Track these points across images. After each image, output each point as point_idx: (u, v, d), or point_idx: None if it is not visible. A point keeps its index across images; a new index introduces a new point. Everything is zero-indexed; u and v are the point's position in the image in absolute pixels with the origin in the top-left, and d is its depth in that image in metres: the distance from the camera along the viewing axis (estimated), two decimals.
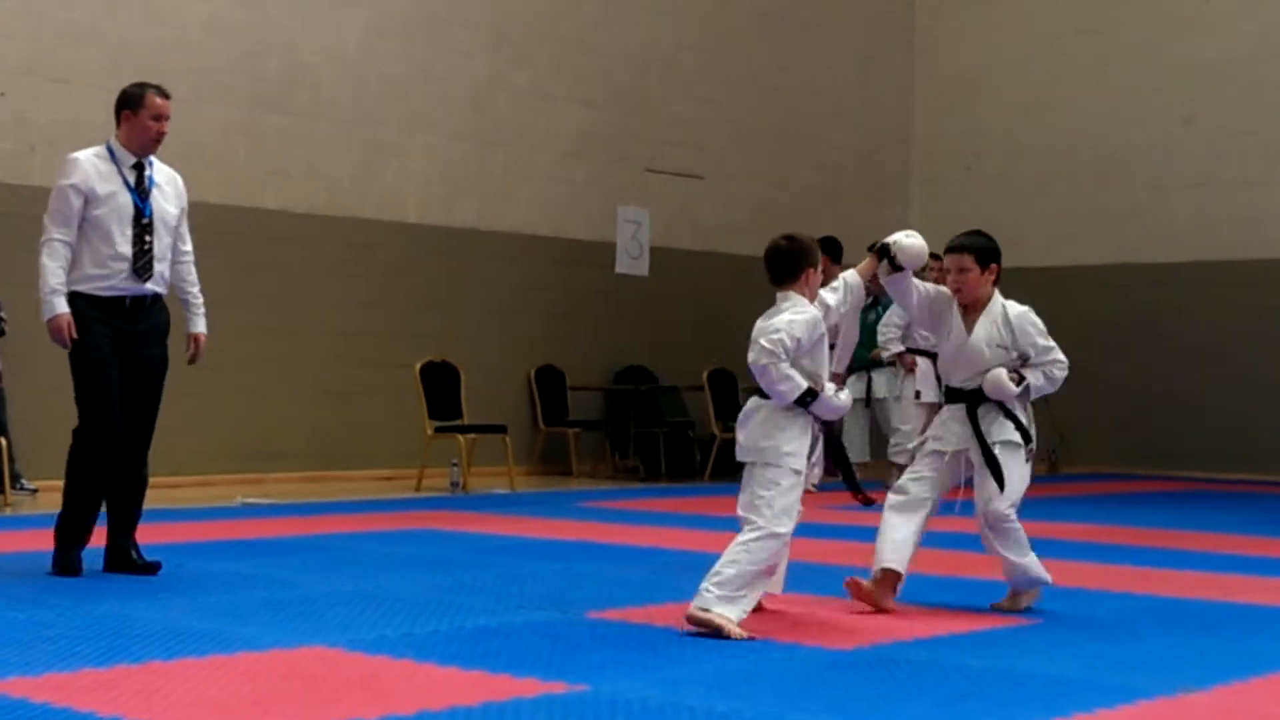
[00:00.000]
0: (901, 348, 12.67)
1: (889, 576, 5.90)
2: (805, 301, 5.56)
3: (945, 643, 5.20)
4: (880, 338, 12.72)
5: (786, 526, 5.53)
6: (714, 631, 5.19)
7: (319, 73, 12.43)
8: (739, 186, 15.56)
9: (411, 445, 12.05)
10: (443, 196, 13.25)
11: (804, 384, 5.45)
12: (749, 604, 5.34)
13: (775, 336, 5.45)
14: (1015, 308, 5.99)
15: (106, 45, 11.18)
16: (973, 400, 5.94)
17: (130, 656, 4.69)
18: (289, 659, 4.71)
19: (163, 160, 6.84)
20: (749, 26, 15.68)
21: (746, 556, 5.40)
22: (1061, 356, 5.95)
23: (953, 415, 6.05)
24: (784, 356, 5.43)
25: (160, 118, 6.61)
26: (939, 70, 17.27)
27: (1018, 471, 5.85)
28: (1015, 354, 5.92)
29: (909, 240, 5.90)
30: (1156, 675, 4.65)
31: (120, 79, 11.60)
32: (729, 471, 13.75)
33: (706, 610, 5.24)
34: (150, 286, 6.58)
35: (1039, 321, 5.97)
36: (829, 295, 5.74)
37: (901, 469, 12.72)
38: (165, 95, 6.67)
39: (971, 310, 5.98)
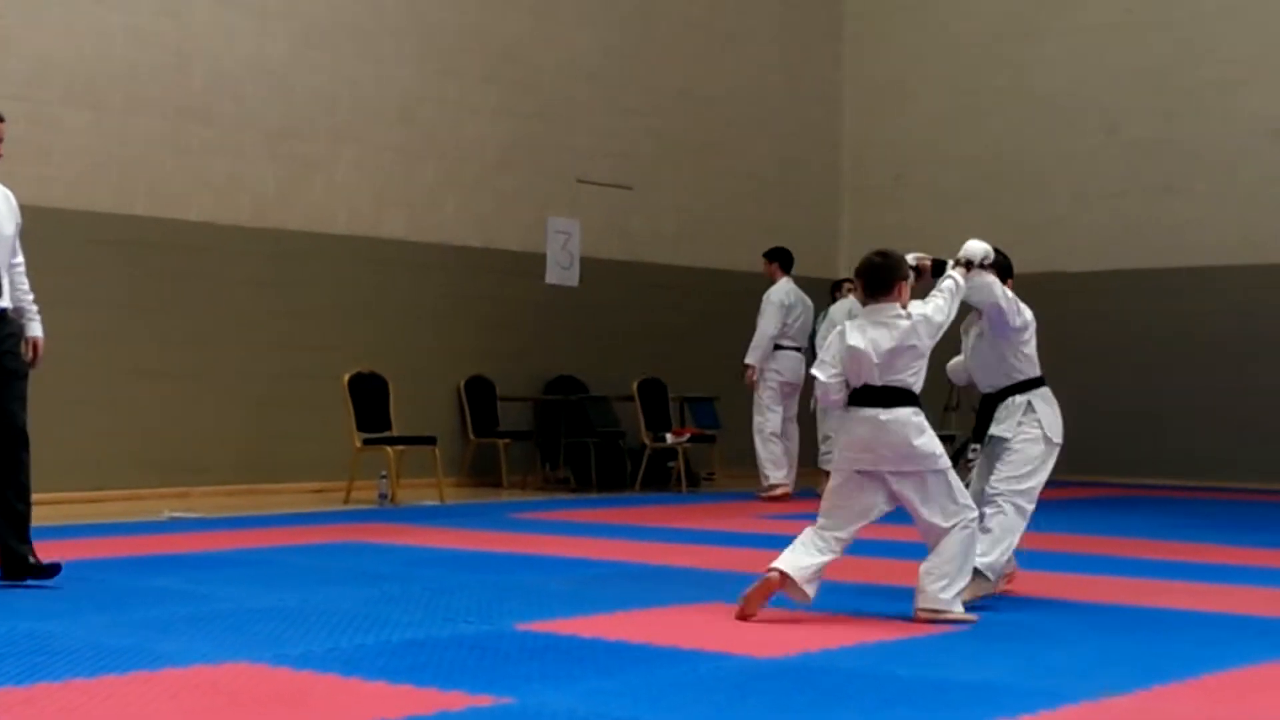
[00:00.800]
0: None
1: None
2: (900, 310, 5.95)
3: (874, 651, 5.22)
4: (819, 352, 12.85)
5: None
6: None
7: (244, 84, 12.34)
8: (668, 196, 15.59)
9: (340, 457, 11.97)
10: (371, 207, 13.19)
11: None
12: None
13: None
14: None
15: (27, 56, 11.05)
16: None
17: (51, 674, 4.63)
18: (213, 675, 4.67)
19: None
20: (675, 37, 15.71)
21: None
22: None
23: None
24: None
25: None
26: (867, 79, 17.37)
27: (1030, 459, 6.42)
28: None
29: (973, 244, 6.44)
30: (1080, 680, 4.69)
31: (44, 90, 11.50)
32: (659, 481, 13.79)
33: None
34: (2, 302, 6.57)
35: None
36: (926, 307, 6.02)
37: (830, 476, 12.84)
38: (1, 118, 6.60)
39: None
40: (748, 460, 13.71)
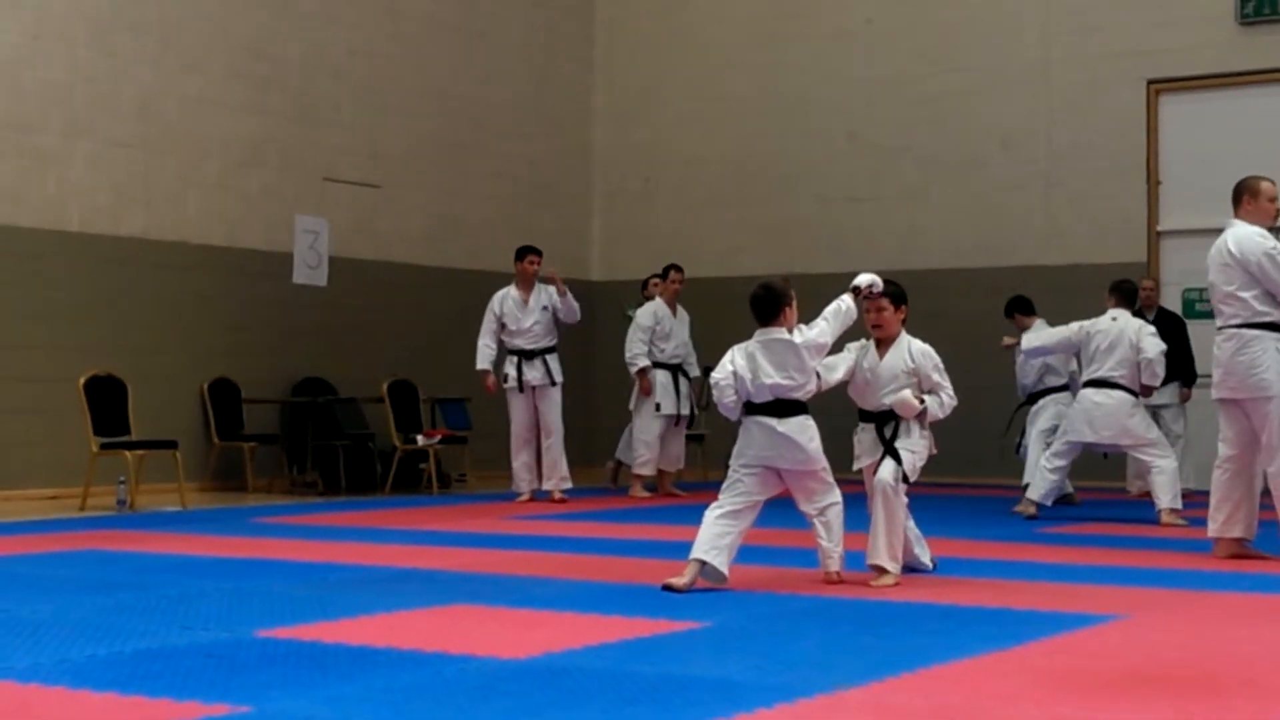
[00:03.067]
0: (648, 363, 12.75)
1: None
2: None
3: (616, 649, 5.26)
4: (628, 352, 12.79)
5: None
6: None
7: None
8: (417, 196, 15.48)
9: (76, 463, 11.59)
10: (108, 205, 12.81)
11: None
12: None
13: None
14: (918, 344, 7.20)
15: None
16: (882, 420, 7.11)
17: None
18: None
19: None
20: (423, 35, 15.61)
21: None
22: (951, 390, 7.12)
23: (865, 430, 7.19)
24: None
25: None
26: (617, 83, 17.51)
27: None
28: (916, 380, 7.10)
29: (863, 275, 7.28)
30: (816, 674, 4.79)
31: None
32: (410, 483, 13.68)
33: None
34: None
35: (937, 358, 7.16)
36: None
37: (641, 479, 12.85)
38: None
39: (884, 344, 7.22)
40: (499, 462, 13.72)
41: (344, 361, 14.44)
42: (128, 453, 11.42)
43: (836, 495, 6.97)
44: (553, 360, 12.43)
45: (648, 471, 12.89)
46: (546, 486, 12.37)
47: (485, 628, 5.77)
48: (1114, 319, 10.71)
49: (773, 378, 6.74)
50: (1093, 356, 10.67)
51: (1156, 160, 14.79)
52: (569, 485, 12.38)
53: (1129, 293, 10.98)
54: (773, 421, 6.75)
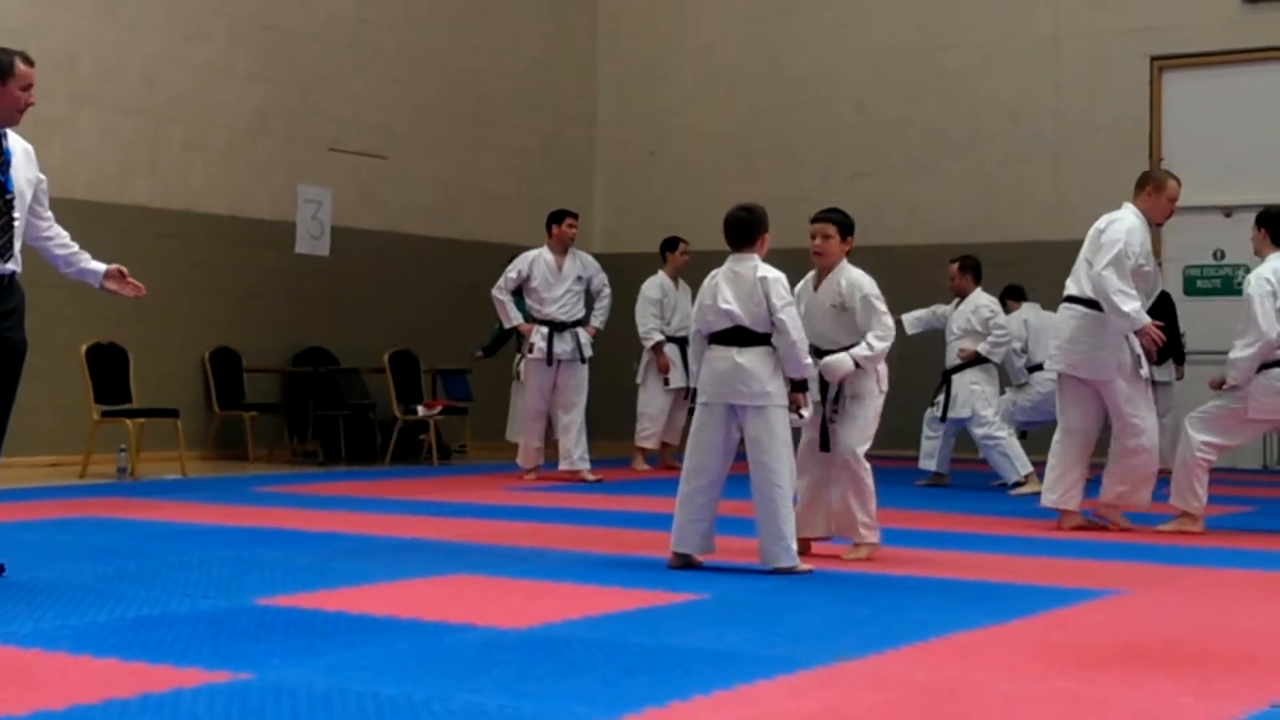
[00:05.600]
0: (661, 337, 12.64)
1: None
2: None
3: (615, 620, 5.27)
4: (641, 327, 12.65)
5: None
6: None
7: None
8: (423, 167, 15.46)
9: (77, 430, 11.60)
10: (114, 173, 12.79)
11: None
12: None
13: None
14: (852, 275, 7.02)
15: None
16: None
17: None
18: None
19: None
20: (430, 5, 15.57)
21: None
22: (885, 324, 6.88)
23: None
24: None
25: (29, 87, 6.18)
26: (623, 54, 17.47)
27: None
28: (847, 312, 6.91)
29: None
30: (816, 646, 4.81)
31: None
32: (410, 454, 13.69)
33: None
34: (10, 266, 6.17)
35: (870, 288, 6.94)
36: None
37: (644, 453, 12.83)
38: (30, 62, 6.24)
39: (823, 274, 7.06)
40: (499, 432, 13.72)
41: (345, 332, 14.44)
42: (129, 421, 11.43)
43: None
44: (583, 334, 11.75)
45: (651, 445, 12.84)
46: (572, 467, 11.63)
47: (485, 597, 5.78)
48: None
49: (730, 304, 6.41)
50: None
51: (1159, 137, 14.77)
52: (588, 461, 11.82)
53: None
54: (731, 350, 6.44)
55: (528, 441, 11.81)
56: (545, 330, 11.61)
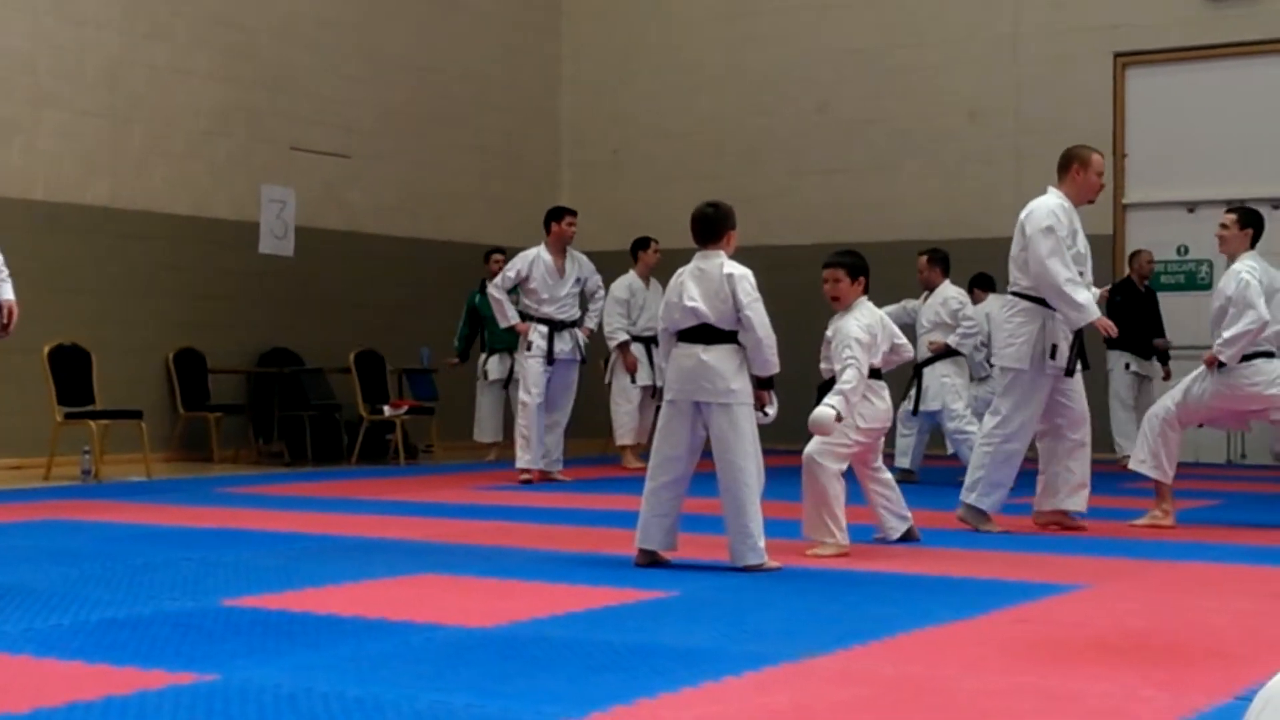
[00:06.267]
0: (627, 337, 12.63)
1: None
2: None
3: (583, 618, 5.26)
4: (606, 327, 12.62)
5: None
6: None
7: None
8: (387, 167, 15.42)
9: (40, 433, 11.52)
10: (74, 174, 12.71)
11: None
12: None
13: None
14: (846, 320, 7.27)
15: None
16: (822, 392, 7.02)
17: None
18: None
19: None
20: (392, 4, 15.53)
21: None
22: (852, 371, 7.01)
23: None
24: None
25: None
26: (587, 54, 17.45)
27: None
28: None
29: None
30: (783, 642, 4.80)
31: None
32: (377, 454, 13.64)
33: None
34: None
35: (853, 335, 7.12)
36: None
37: (623, 449, 12.80)
38: None
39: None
40: (466, 432, 13.70)
41: (310, 332, 14.39)
42: (92, 423, 11.37)
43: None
44: (580, 335, 11.74)
45: (630, 441, 12.83)
46: (547, 466, 11.60)
47: (452, 597, 5.76)
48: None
49: (696, 302, 6.39)
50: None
51: (1123, 133, 14.84)
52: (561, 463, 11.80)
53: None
54: (696, 348, 6.43)
55: (536, 440, 11.43)
56: (544, 329, 11.51)
